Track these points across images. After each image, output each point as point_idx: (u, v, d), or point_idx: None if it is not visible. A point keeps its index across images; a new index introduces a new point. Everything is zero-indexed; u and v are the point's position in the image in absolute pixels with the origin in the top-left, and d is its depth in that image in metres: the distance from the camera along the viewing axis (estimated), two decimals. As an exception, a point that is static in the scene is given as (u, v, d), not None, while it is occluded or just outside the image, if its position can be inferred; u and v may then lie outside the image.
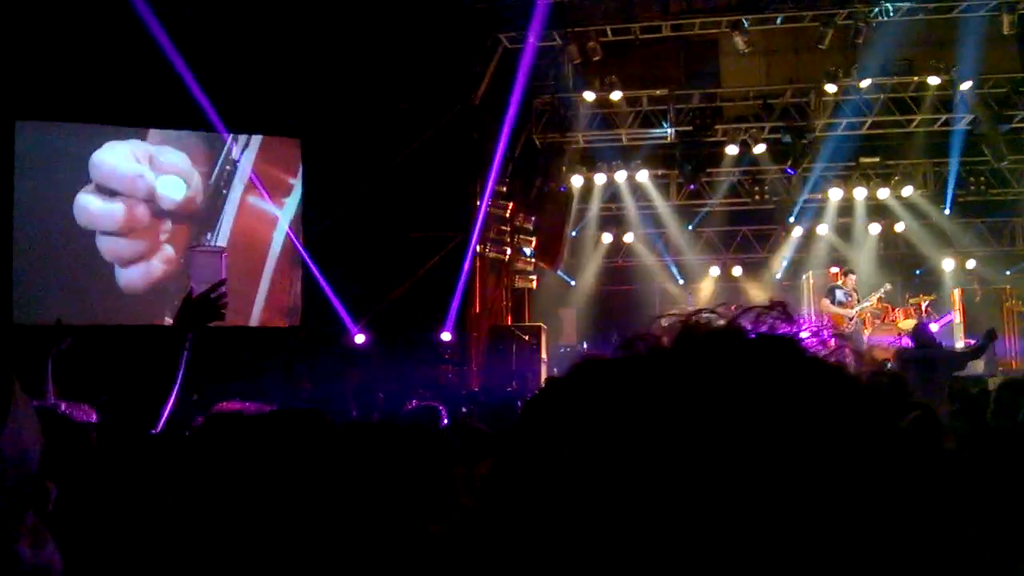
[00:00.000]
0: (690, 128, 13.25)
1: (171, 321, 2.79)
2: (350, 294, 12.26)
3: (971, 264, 14.55)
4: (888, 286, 12.78)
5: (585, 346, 14.37)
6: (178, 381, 2.48)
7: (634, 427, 0.57)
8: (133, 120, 11.45)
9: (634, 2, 12.10)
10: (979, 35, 12.24)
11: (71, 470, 2.19)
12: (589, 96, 12.77)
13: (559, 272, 14.95)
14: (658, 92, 13.21)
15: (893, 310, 13.41)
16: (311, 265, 12.16)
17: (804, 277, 15.09)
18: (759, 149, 13.45)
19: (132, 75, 10.78)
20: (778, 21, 12.03)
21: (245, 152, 12.09)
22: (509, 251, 13.37)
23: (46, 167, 11.08)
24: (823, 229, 14.79)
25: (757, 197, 14.39)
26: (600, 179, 14.23)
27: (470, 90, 11.98)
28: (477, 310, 12.41)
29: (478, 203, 12.58)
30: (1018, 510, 2.86)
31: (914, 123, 13.36)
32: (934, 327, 13.02)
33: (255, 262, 11.96)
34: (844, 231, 15.06)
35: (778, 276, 15.06)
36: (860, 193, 14.20)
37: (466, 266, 11.92)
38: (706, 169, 13.99)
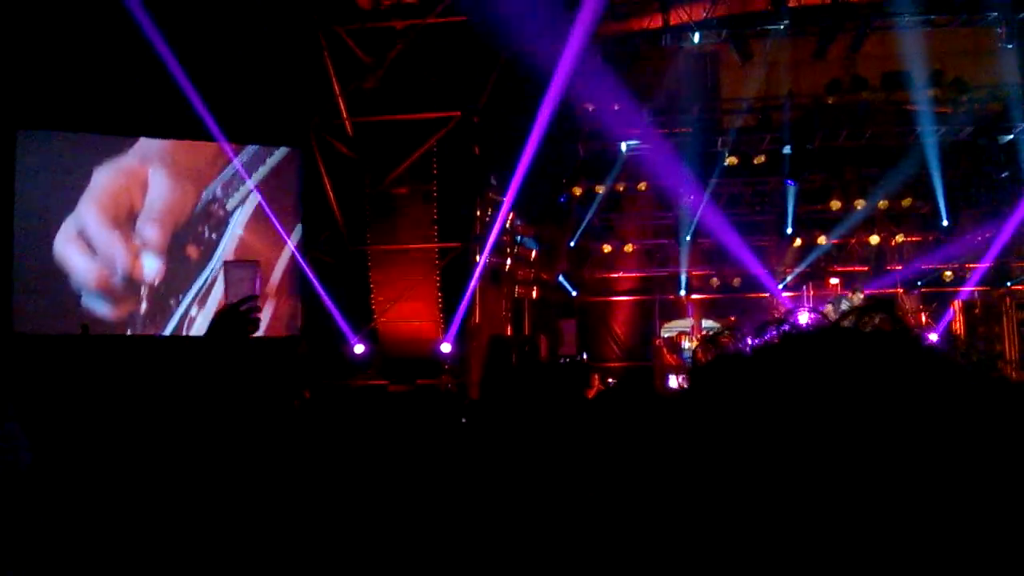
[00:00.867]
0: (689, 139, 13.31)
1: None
2: (350, 304, 12.29)
3: (971, 275, 14.56)
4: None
5: (585, 357, 14.38)
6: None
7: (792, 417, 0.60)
8: (135, 131, 11.48)
9: (635, 14, 12.15)
10: (978, 47, 12.32)
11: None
12: (590, 107, 12.81)
13: (560, 279, 14.96)
14: (658, 103, 13.25)
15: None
16: (310, 281, 12.17)
17: (804, 288, 15.10)
18: (759, 160, 13.49)
19: (135, 86, 10.82)
20: (778, 34, 12.06)
21: (250, 163, 12.11)
22: (509, 261, 13.38)
23: (47, 177, 11.11)
24: (823, 240, 14.81)
25: (757, 208, 14.41)
26: (600, 189, 14.26)
27: (470, 101, 12.00)
28: (477, 320, 12.42)
29: (478, 214, 12.60)
30: None
31: (913, 134, 13.40)
32: (933, 337, 13.06)
33: (262, 272, 11.96)
34: (844, 242, 15.08)
35: (779, 287, 15.05)
36: (859, 204, 14.22)
37: (473, 283, 11.93)
38: (708, 180, 14.02)
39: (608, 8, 11.69)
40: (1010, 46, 11.89)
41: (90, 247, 11.22)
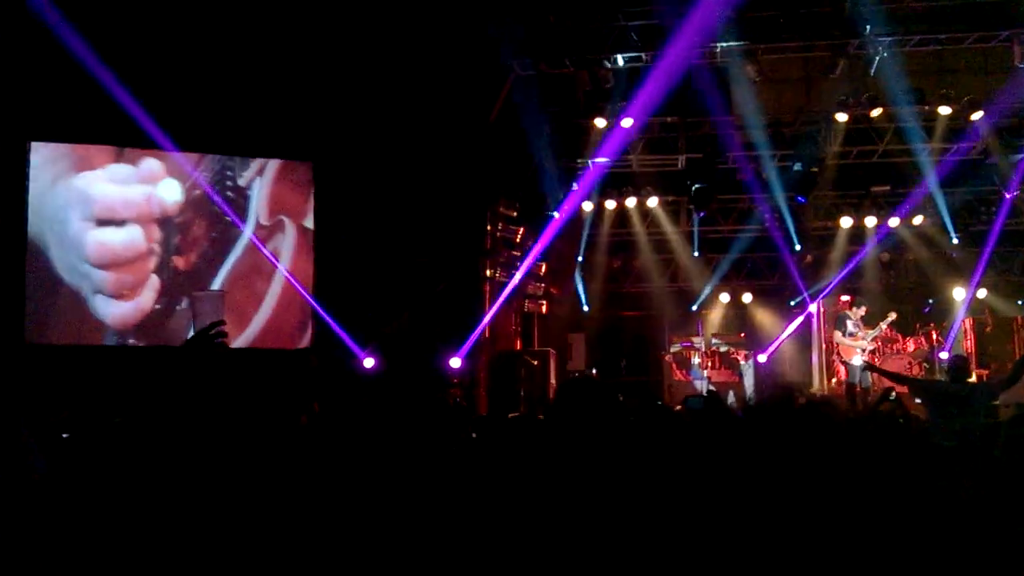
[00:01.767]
0: (700, 155, 13.30)
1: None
2: (360, 317, 12.30)
3: (983, 294, 14.49)
4: (893, 315, 12.75)
5: (595, 372, 14.35)
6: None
7: None
8: (147, 143, 11.54)
9: (644, 30, 12.17)
10: (991, 65, 12.30)
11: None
12: (600, 123, 12.83)
13: (578, 289, 14.94)
14: (669, 119, 13.26)
15: (904, 338, 13.38)
16: (311, 302, 12.20)
17: (814, 305, 15.06)
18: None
19: (147, 97, 10.88)
20: (789, 50, 12.07)
21: (258, 177, 12.15)
22: (518, 275, 13.39)
23: (59, 188, 11.17)
24: (833, 257, 14.77)
25: (767, 224, 14.39)
26: (610, 204, 14.26)
27: (481, 115, 12.05)
28: (486, 335, 12.42)
29: (488, 228, 12.63)
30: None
31: (925, 152, 13.37)
32: (944, 355, 13.00)
33: (260, 287, 11.99)
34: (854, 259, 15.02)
35: (790, 304, 15.01)
36: (871, 221, 14.19)
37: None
38: (716, 196, 14.01)
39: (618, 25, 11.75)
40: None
41: (103, 255, 11.25)
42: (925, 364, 12.97)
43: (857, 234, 14.57)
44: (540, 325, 14.47)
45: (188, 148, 11.73)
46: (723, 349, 13.76)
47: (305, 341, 12.25)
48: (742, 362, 13.49)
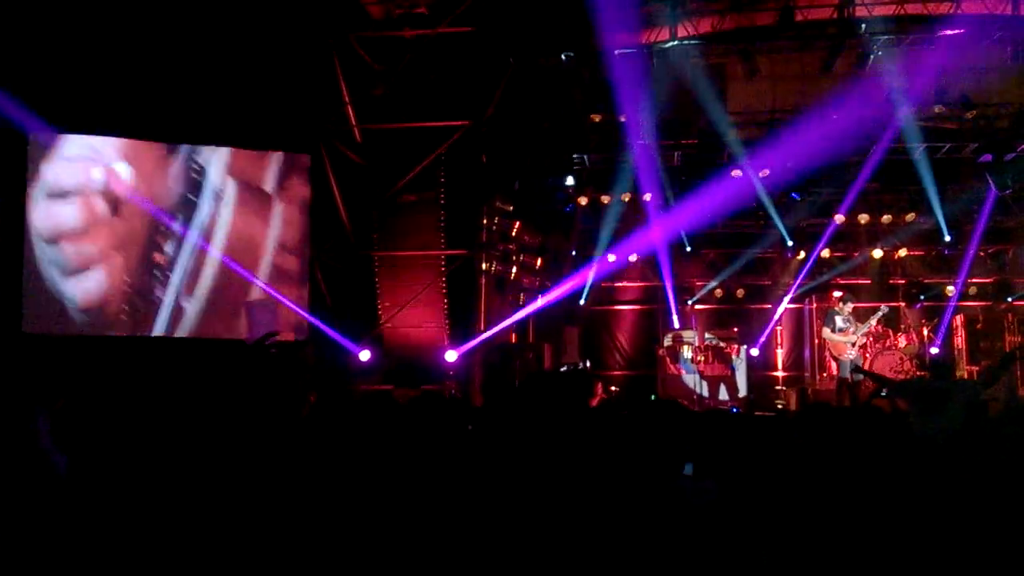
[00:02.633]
0: (695, 151, 13.39)
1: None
2: (357, 310, 12.40)
3: (974, 291, 14.61)
4: (885, 309, 12.84)
5: (588, 364, 14.45)
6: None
7: None
8: (145, 134, 11.60)
9: (641, 27, 12.24)
10: (983, 64, 12.38)
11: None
12: (596, 118, 12.89)
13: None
14: (664, 115, 13.30)
15: (894, 334, 13.49)
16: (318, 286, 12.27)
17: (807, 301, 15.17)
18: (763, 174, 13.53)
19: (144, 88, 10.94)
20: (785, 49, 12.15)
21: (223, 164, 12.13)
22: (515, 269, 13.46)
23: (57, 179, 11.23)
24: (826, 253, 14.86)
25: (761, 221, 14.48)
26: (605, 199, 14.31)
27: (479, 110, 12.11)
28: (482, 328, 12.51)
29: (485, 222, 12.71)
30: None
31: (918, 150, 13.45)
32: (934, 351, 13.13)
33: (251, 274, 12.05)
34: (847, 256, 15.14)
35: (785, 301, 15.10)
36: (863, 218, 14.27)
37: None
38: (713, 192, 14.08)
39: (615, 20, 11.81)
40: (1017, 63, 11.96)
41: (74, 247, 11.29)
42: (916, 360, 13.08)
43: (850, 230, 14.68)
44: (535, 318, 14.55)
45: (183, 140, 11.81)
46: (716, 343, 13.86)
47: (303, 333, 12.34)
48: (734, 356, 13.59)
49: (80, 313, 11.28)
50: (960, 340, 14.24)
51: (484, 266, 12.72)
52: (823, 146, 12.32)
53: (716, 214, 13.90)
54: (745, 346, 13.79)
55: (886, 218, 14.26)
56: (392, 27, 12.27)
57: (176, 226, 11.77)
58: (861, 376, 11.24)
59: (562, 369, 13.73)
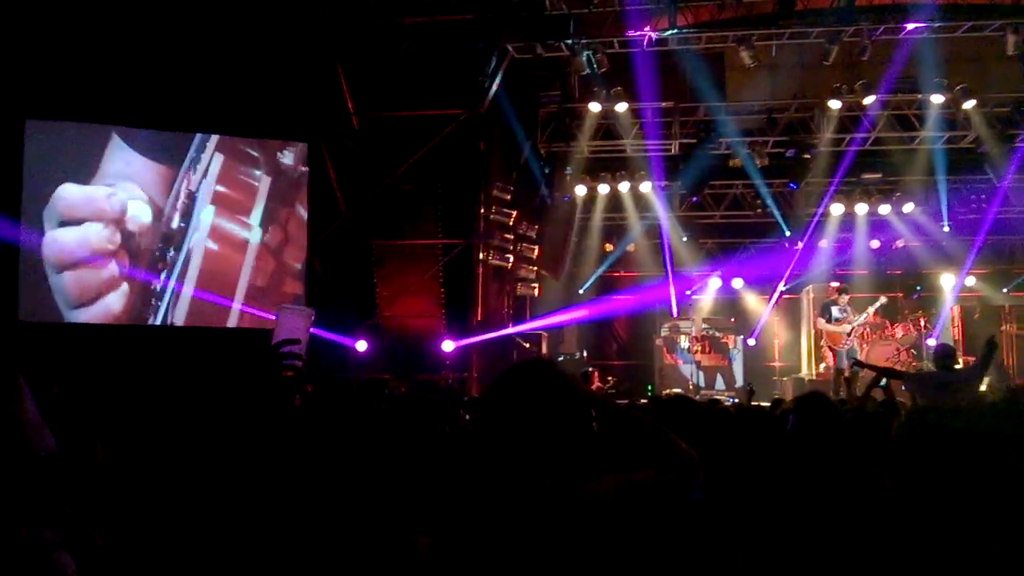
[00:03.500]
0: (694, 140, 13.35)
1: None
2: (354, 299, 12.38)
3: (971, 282, 14.61)
4: (883, 299, 12.85)
5: (585, 354, 14.46)
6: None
7: None
8: (142, 122, 11.55)
9: (641, 15, 12.17)
10: (984, 54, 12.34)
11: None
12: (595, 107, 12.86)
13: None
14: (663, 104, 13.29)
15: (892, 325, 13.49)
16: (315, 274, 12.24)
17: (804, 291, 15.17)
18: (762, 163, 13.52)
19: (143, 76, 10.89)
20: (784, 37, 12.09)
21: (214, 157, 12.08)
22: (512, 259, 13.46)
23: (54, 166, 11.17)
24: (824, 244, 14.86)
25: (759, 211, 14.46)
26: (603, 189, 14.30)
27: (476, 99, 12.07)
28: (479, 317, 12.49)
29: (482, 211, 12.68)
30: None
31: (917, 140, 13.43)
32: (931, 342, 13.13)
33: (233, 265, 12.03)
34: (845, 246, 15.13)
35: (779, 289, 15.10)
36: (861, 208, 14.26)
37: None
38: (709, 182, 14.07)
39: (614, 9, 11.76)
40: (1017, 54, 11.89)
41: (74, 232, 11.23)
42: (913, 351, 13.10)
43: (847, 221, 14.66)
44: (533, 309, 14.55)
45: (178, 128, 11.75)
46: (713, 333, 13.87)
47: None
48: (731, 347, 13.60)
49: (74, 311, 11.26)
50: (957, 331, 14.25)
51: (482, 256, 12.70)
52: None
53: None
54: (742, 336, 13.79)
55: (884, 208, 14.24)
56: (389, 15, 12.20)
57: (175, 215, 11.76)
58: (859, 369, 11.27)
59: (560, 359, 13.75)
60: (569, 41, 12.05)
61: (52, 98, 10.76)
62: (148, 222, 11.52)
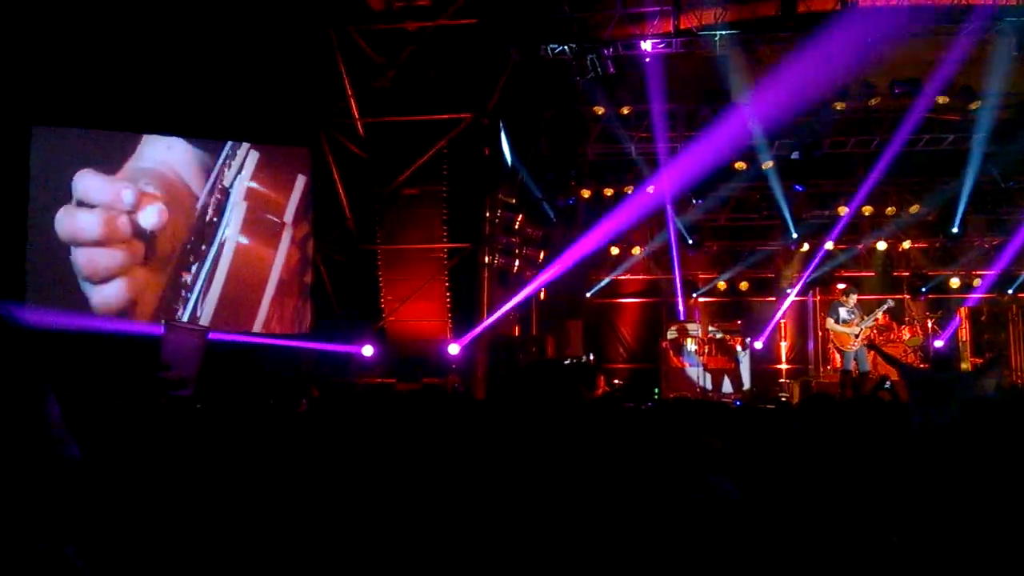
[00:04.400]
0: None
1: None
2: (359, 304, 12.40)
3: (977, 282, 14.56)
4: (891, 303, 12.81)
5: (592, 357, 14.43)
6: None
7: None
8: (145, 127, 11.59)
9: (645, 18, 12.18)
10: (989, 55, 12.30)
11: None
12: (599, 110, 12.85)
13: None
14: (667, 107, 13.28)
15: (899, 327, 13.45)
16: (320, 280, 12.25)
17: (810, 293, 15.13)
18: (768, 165, 13.50)
19: (146, 84, 10.92)
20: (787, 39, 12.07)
21: (245, 163, 12.15)
22: (517, 262, 13.45)
23: (60, 171, 11.21)
24: (830, 245, 14.82)
25: (765, 213, 14.43)
26: (608, 192, 14.29)
27: (481, 103, 12.08)
28: (485, 321, 12.49)
29: (488, 215, 12.68)
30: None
31: (922, 141, 13.39)
32: (939, 344, 13.08)
33: (261, 271, 12.11)
34: (851, 248, 15.10)
35: (786, 292, 15.07)
36: (867, 210, 14.23)
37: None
38: (717, 184, 14.05)
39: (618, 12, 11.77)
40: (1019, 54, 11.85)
41: (93, 238, 11.29)
42: (920, 353, 13.05)
43: (854, 223, 14.63)
44: (538, 312, 14.54)
45: (185, 133, 11.78)
46: (719, 336, 13.82)
47: (305, 327, 12.35)
48: (738, 349, 13.55)
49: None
50: (964, 332, 14.19)
51: (487, 259, 12.70)
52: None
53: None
54: (749, 339, 13.75)
55: (890, 210, 14.21)
56: (394, 19, 12.23)
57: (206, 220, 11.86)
58: (867, 362, 11.26)
59: (566, 362, 13.72)
60: (573, 45, 12.06)
61: (58, 104, 10.79)
62: (165, 220, 11.58)
